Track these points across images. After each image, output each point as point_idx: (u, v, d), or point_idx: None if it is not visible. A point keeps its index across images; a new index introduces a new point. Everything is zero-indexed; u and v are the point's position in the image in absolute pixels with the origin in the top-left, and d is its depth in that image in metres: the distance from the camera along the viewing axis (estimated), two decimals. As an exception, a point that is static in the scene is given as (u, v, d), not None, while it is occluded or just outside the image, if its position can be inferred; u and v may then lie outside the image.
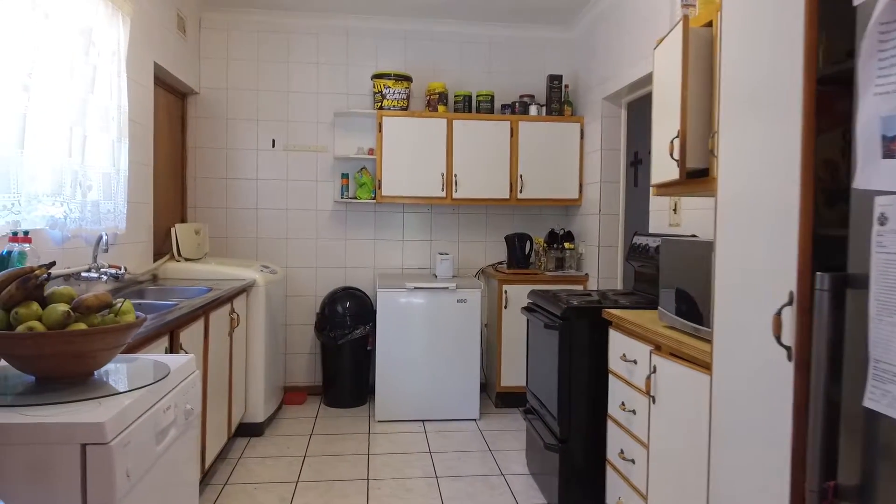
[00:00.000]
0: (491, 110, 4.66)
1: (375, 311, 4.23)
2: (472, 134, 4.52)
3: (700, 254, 2.03)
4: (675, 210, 3.18)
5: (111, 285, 3.02)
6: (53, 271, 2.22)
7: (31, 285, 1.47)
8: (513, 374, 4.41)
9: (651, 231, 3.44)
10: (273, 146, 4.67)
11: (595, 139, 4.39)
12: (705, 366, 1.86)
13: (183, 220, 4.50)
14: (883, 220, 0.98)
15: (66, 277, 2.60)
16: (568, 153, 4.62)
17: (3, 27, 2.03)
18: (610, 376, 2.64)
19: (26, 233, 2.03)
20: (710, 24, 2.27)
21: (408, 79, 4.56)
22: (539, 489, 3.12)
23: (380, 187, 4.44)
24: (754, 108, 1.45)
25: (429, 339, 4.18)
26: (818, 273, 1.10)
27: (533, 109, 4.65)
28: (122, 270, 2.82)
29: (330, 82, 4.72)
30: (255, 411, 3.81)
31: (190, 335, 2.70)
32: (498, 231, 4.91)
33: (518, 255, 4.60)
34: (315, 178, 4.73)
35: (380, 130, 4.44)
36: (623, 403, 2.48)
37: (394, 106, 4.51)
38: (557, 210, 4.98)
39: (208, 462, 2.99)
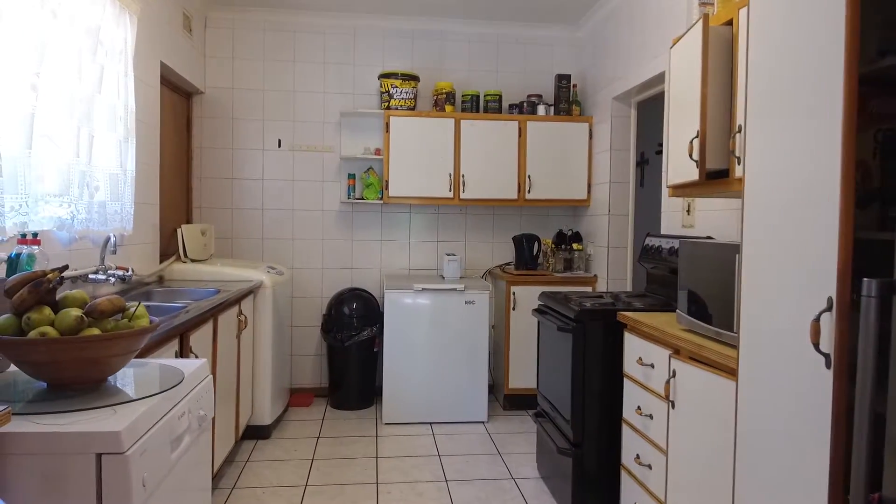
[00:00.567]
0: (499, 110, 4.62)
1: (382, 312, 4.20)
2: (480, 134, 4.48)
3: (723, 256, 1.99)
4: (688, 211, 3.14)
5: (118, 287, 2.98)
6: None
7: (44, 290, 1.43)
8: (521, 376, 4.37)
9: (664, 232, 3.40)
10: (279, 146, 4.64)
11: (604, 139, 4.35)
12: (729, 371, 1.82)
13: (188, 221, 4.46)
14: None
15: (74, 279, 2.56)
16: (576, 153, 4.58)
17: (12, 26, 1.99)
18: (625, 380, 2.60)
19: (35, 235, 2.00)
20: (729, 23, 2.23)
21: (415, 78, 4.52)
22: (551, 493, 3.09)
23: (387, 188, 4.41)
24: (787, 107, 1.42)
25: (436, 340, 4.14)
26: (865, 279, 1.07)
27: (541, 109, 4.61)
28: (130, 272, 2.78)
29: (336, 82, 4.68)
30: (262, 414, 3.77)
31: (199, 338, 2.67)
32: (505, 232, 4.87)
33: (526, 256, 4.56)
34: (321, 178, 4.69)
35: (387, 130, 4.40)
36: (639, 408, 2.44)
37: (401, 106, 4.47)
38: (565, 211, 4.94)
39: (216, 466, 2.96)
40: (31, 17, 2.09)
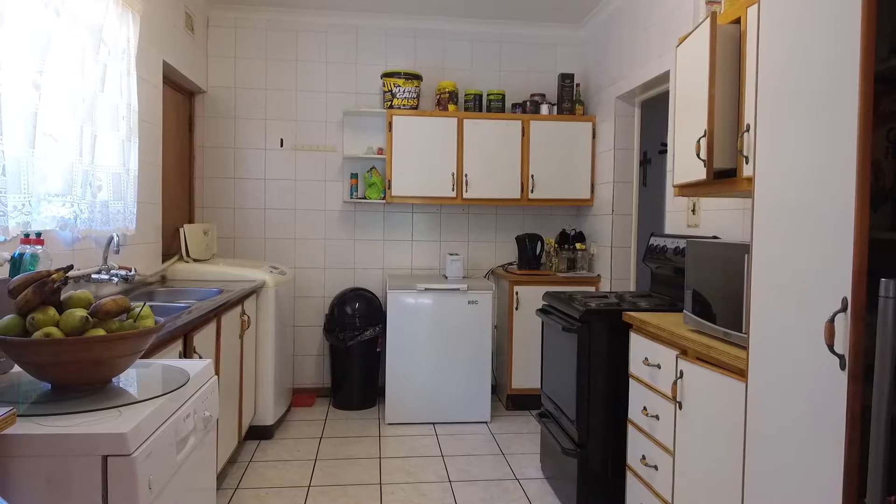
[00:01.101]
0: (502, 109, 4.61)
1: (385, 312, 4.18)
2: (483, 133, 4.46)
3: (732, 256, 1.97)
4: (693, 211, 3.13)
5: (121, 287, 2.97)
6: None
7: (48, 290, 1.42)
8: (524, 376, 4.36)
9: (668, 232, 3.38)
10: (281, 146, 4.62)
11: (608, 138, 4.33)
12: (738, 372, 1.81)
13: (191, 221, 4.44)
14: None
15: (77, 279, 2.55)
16: (579, 153, 4.57)
17: (15, 24, 1.98)
18: (631, 380, 2.59)
19: (39, 234, 1.98)
20: (737, 22, 2.21)
21: (418, 77, 4.50)
22: (555, 494, 3.07)
23: (390, 187, 4.39)
24: (799, 105, 1.40)
25: (439, 340, 4.13)
26: (884, 280, 1.05)
27: (544, 108, 4.60)
28: (133, 272, 2.77)
29: (339, 81, 4.67)
30: (264, 414, 3.76)
31: (203, 338, 2.65)
32: (508, 232, 4.86)
33: (529, 255, 4.54)
34: (324, 177, 4.68)
35: (390, 130, 4.39)
36: (645, 408, 2.43)
37: (404, 105, 4.45)
38: (568, 210, 4.93)
39: (219, 466, 2.94)
40: (34, 15, 2.08)
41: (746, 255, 1.87)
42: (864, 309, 1.15)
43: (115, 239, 2.73)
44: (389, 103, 4.47)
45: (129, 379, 1.61)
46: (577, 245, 4.55)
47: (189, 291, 3.30)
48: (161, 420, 1.41)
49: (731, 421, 1.83)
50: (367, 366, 4.42)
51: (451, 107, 4.53)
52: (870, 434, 1.11)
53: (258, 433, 3.76)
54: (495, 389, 4.66)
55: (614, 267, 4.24)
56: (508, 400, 4.42)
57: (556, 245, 4.61)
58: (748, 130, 2.06)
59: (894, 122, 1.50)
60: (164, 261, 3.69)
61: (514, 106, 4.64)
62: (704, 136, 2.21)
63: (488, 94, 4.62)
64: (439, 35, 4.75)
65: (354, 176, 4.61)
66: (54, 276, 1.43)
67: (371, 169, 4.62)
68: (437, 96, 4.57)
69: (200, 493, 1.73)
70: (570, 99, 4.62)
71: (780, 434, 1.44)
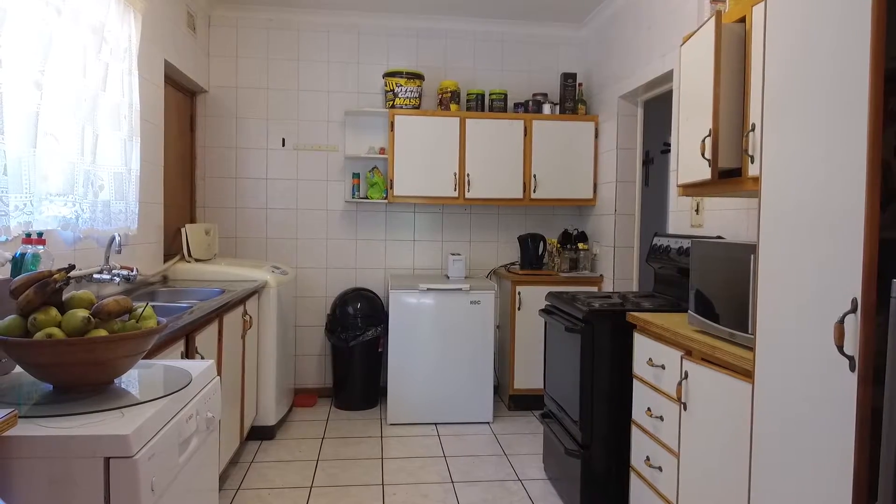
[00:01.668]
0: (504, 109, 4.59)
1: (387, 312, 4.17)
2: (485, 133, 4.45)
3: (737, 256, 1.96)
4: (697, 211, 3.12)
5: (123, 287, 2.96)
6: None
7: (50, 290, 1.40)
8: (526, 377, 4.34)
9: (671, 232, 3.37)
10: (283, 145, 4.61)
11: (610, 138, 4.32)
12: (744, 373, 1.79)
13: (192, 221, 4.43)
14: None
15: (78, 279, 2.54)
16: (582, 152, 4.55)
17: (16, 22, 1.97)
18: (634, 381, 2.58)
19: (40, 234, 1.97)
20: (742, 21, 2.20)
21: (420, 77, 4.49)
22: (558, 495, 3.06)
23: (392, 187, 4.38)
24: (806, 104, 1.39)
25: (441, 340, 4.12)
26: (894, 280, 1.04)
27: (546, 108, 4.58)
28: (134, 272, 2.76)
29: (340, 80, 4.65)
30: (266, 414, 3.75)
31: (205, 338, 2.64)
32: (510, 231, 4.85)
33: (531, 255, 4.53)
34: (325, 177, 4.66)
35: (392, 129, 4.37)
36: (649, 409, 2.41)
37: (406, 105, 4.44)
38: (571, 210, 4.91)
39: (221, 467, 2.93)
40: (35, 13, 2.07)
41: (753, 256, 1.85)
42: (874, 310, 1.14)
43: (117, 239, 2.72)
44: (391, 103, 4.45)
45: (132, 380, 1.60)
46: (580, 245, 4.53)
47: (191, 292, 3.29)
48: (163, 421, 1.40)
49: (737, 422, 1.81)
50: (369, 366, 4.41)
51: (453, 106, 4.51)
52: (881, 437, 1.10)
53: (260, 433, 3.75)
54: (497, 390, 4.65)
55: (617, 267, 4.23)
56: (511, 400, 4.40)
57: (559, 245, 4.60)
58: (753, 130, 2.04)
59: (903, 121, 1.49)
60: (165, 261, 3.68)
61: (517, 105, 4.62)
62: (709, 135, 2.20)
63: (490, 94, 4.61)
64: (441, 34, 4.74)
65: (356, 176, 4.60)
66: (56, 276, 1.42)
67: (373, 169, 4.61)
68: (439, 96, 4.56)
69: (203, 494, 1.72)
70: (572, 98, 4.60)
71: (788, 436, 1.43)
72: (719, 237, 2.80)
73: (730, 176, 2.23)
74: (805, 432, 1.36)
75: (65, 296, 1.47)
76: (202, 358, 2.55)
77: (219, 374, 2.85)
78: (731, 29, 2.19)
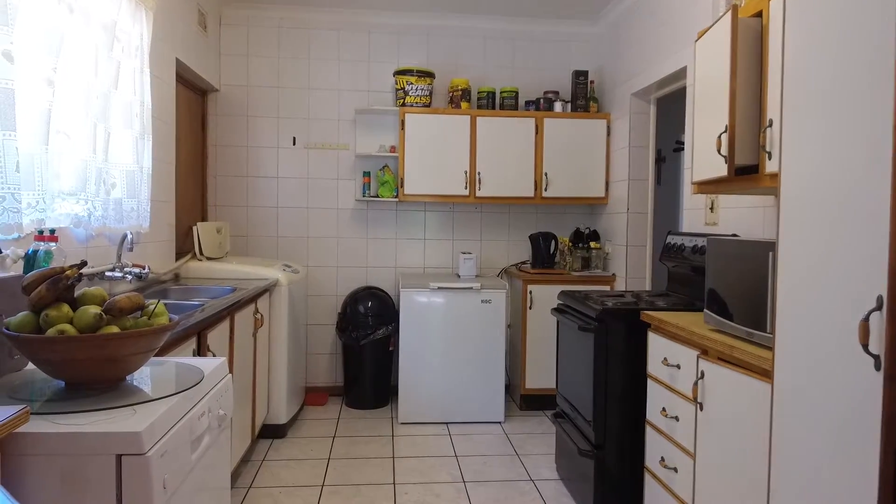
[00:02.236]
0: (515, 107, 4.57)
1: (398, 311, 4.16)
2: (496, 131, 4.43)
3: (755, 253, 1.93)
4: (711, 208, 3.08)
5: (135, 285, 2.96)
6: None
7: (62, 286, 1.40)
8: (538, 376, 4.32)
9: (685, 230, 3.33)
10: (294, 144, 4.61)
11: (622, 136, 4.28)
12: (762, 372, 1.76)
13: (204, 219, 4.44)
14: None
15: (91, 277, 2.54)
16: (594, 150, 4.52)
17: (28, 20, 1.97)
18: (649, 381, 2.55)
19: (52, 231, 1.97)
20: (758, 15, 2.16)
21: (430, 75, 4.48)
22: (571, 496, 3.03)
23: (402, 185, 4.37)
24: (828, 98, 1.36)
25: (452, 340, 4.10)
26: (924, 276, 1.01)
27: (558, 106, 4.55)
28: (146, 270, 2.76)
29: (351, 79, 4.65)
30: (277, 413, 3.74)
31: (217, 336, 2.64)
32: (521, 230, 4.82)
33: (543, 254, 4.50)
34: (336, 176, 4.66)
35: (402, 128, 4.36)
36: (664, 409, 2.38)
37: (416, 103, 4.43)
38: (582, 209, 4.88)
39: (233, 465, 2.93)
40: (47, 11, 2.07)
41: (771, 253, 1.82)
42: (900, 307, 1.11)
43: (129, 237, 2.72)
44: (402, 101, 4.44)
45: (144, 377, 1.59)
46: (592, 244, 4.50)
47: (202, 290, 3.29)
48: (175, 419, 1.39)
49: (756, 423, 1.78)
50: (380, 365, 4.40)
51: (463, 104, 4.49)
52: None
53: (271, 432, 3.74)
54: (509, 389, 4.63)
55: (630, 266, 4.19)
56: (522, 400, 4.38)
57: (571, 244, 4.57)
58: (771, 125, 2.01)
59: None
60: (177, 259, 3.69)
61: (528, 103, 4.60)
62: (725, 131, 2.17)
63: (501, 92, 4.58)
64: (452, 32, 4.72)
65: (367, 174, 4.59)
66: (68, 272, 1.41)
67: (383, 167, 4.59)
68: (450, 94, 4.54)
69: (215, 493, 1.72)
70: (584, 96, 4.57)
71: (809, 438, 1.40)
72: (734, 235, 2.76)
73: (746, 173, 2.19)
74: (827, 433, 1.33)
75: (76, 292, 1.47)
76: (214, 356, 2.55)
77: (230, 371, 2.84)
78: (747, 23, 2.16)
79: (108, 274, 2.65)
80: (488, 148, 4.42)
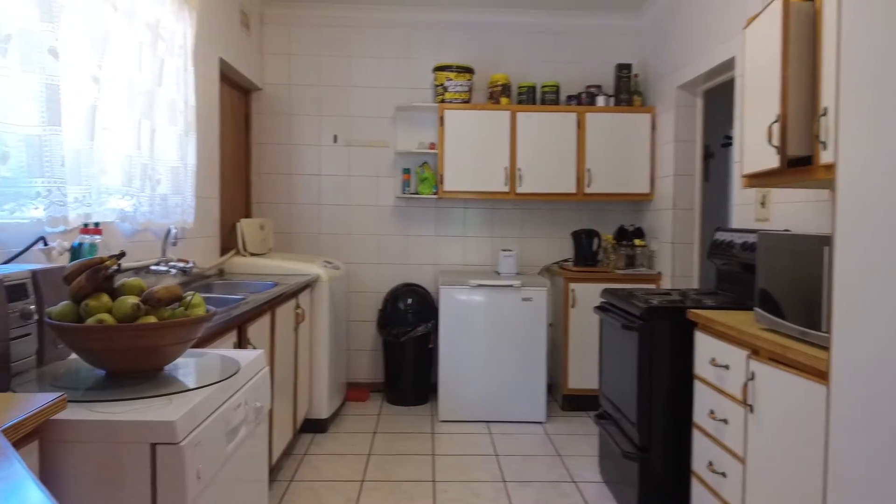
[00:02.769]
0: (556, 102, 4.49)
1: (437, 308, 4.14)
2: (537, 126, 4.36)
3: (809, 250, 1.83)
4: (762, 204, 2.95)
5: (179, 279, 3.01)
6: (123, 264, 2.19)
7: (101, 276, 1.42)
8: (581, 376, 4.24)
9: (735, 226, 3.21)
10: (335, 141, 4.64)
11: (668, 130, 4.16)
12: (817, 374, 1.67)
13: (247, 216, 4.51)
14: None
15: (136, 271, 2.60)
16: (638, 145, 4.41)
17: (74, 17, 2.01)
18: (696, 382, 2.45)
19: (97, 224, 2.01)
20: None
21: (470, 70, 4.44)
22: (615, 499, 2.96)
23: (442, 182, 4.34)
24: (888, 85, 1.26)
25: (492, 338, 4.06)
26: None
27: (600, 100, 4.46)
28: (191, 264, 2.80)
29: (391, 76, 4.65)
30: (319, 407, 3.77)
31: (257, 330, 2.66)
32: (562, 227, 4.74)
33: (585, 252, 4.41)
34: (376, 173, 4.67)
35: (441, 124, 4.34)
36: (712, 411, 2.29)
37: (456, 99, 4.40)
38: (626, 206, 4.77)
39: (274, 458, 2.96)
40: (92, 9, 2.11)
41: (826, 248, 1.72)
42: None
43: (173, 231, 2.77)
44: (441, 97, 4.42)
45: (181, 367, 1.60)
46: (636, 241, 4.39)
47: (245, 284, 3.34)
48: (211, 409, 1.39)
49: (810, 427, 1.69)
50: (420, 362, 4.39)
51: (503, 100, 4.44)
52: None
53: (313, 426, 3.77)
54: (550, 389, 4.55)
55: (676, 264, 4.07)
56: (564, 400, 4.30)
57: (614, 241, 4.46)
58: (825, 114, 1.90)
59: None
60: (221, 254, 3.75)
61: (569, 98, 4.51)
62: (777, 121, 2.07)
63: (542, 87, 4.51)
64: (492, 27, 4.67)
65: (407, 171, 4.58)
66: (107, 262, 1.43)
67: (423, 164, 4.58)
68: (490, 90, 4.49)
69: (251, 485, 1.72)
70: (627, 90, 4.46)
71: (869, 443, 1.31)
72: (786, 230, 2.64)
73: (798, 164, 2.09)
74: (889, 439, 1.24)
75: (116, 283, 1.48)
76: (254, 349, 2.57)
77: (271, 365, 2.87)
78: (799, 7, 2.06)
79: (152, 268, 2.70)
80: (529, 143, 4.36)
